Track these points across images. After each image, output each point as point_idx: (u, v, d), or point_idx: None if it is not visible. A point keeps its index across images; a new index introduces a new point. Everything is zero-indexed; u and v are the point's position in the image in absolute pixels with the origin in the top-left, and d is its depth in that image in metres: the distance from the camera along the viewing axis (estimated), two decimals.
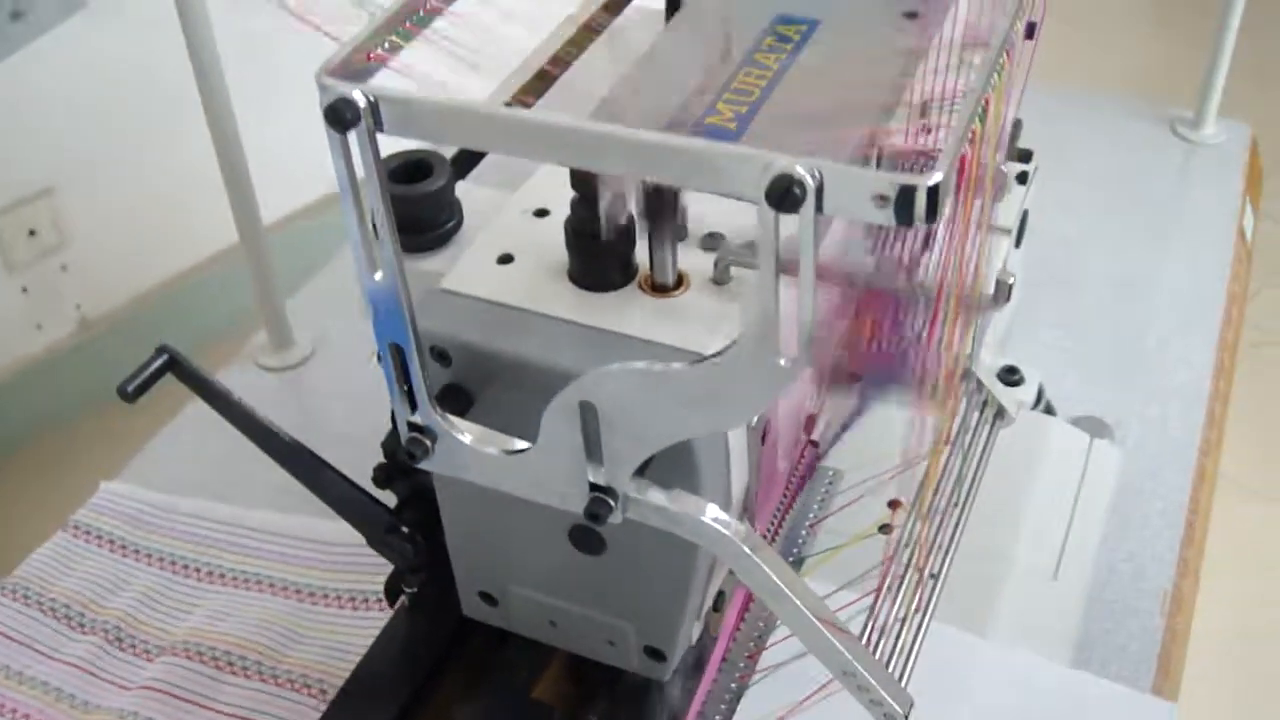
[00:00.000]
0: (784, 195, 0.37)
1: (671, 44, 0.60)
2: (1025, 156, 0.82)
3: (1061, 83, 1.18)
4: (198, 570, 0.91)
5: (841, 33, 0.61)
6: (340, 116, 0.42)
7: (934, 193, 0.37)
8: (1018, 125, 0.82)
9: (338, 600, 0.88)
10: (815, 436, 0.64)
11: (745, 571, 0.49)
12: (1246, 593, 1.77)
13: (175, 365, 0.62)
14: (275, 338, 1.15)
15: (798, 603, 0.48)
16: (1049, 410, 0.94)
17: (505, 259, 0.54)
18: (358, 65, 0.44)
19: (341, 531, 0.89)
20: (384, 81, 0.44)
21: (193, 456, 1.02)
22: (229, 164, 1.05)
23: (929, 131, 0.62)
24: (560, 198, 0.56)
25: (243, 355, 1.15)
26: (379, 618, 0.85)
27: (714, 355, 0.43)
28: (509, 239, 0.55)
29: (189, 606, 0.88)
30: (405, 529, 0.62)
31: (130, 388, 0.60)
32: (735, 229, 0.55)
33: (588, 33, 0.64)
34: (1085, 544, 0.83)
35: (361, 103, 0.42)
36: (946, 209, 0.38)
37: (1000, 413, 0.68)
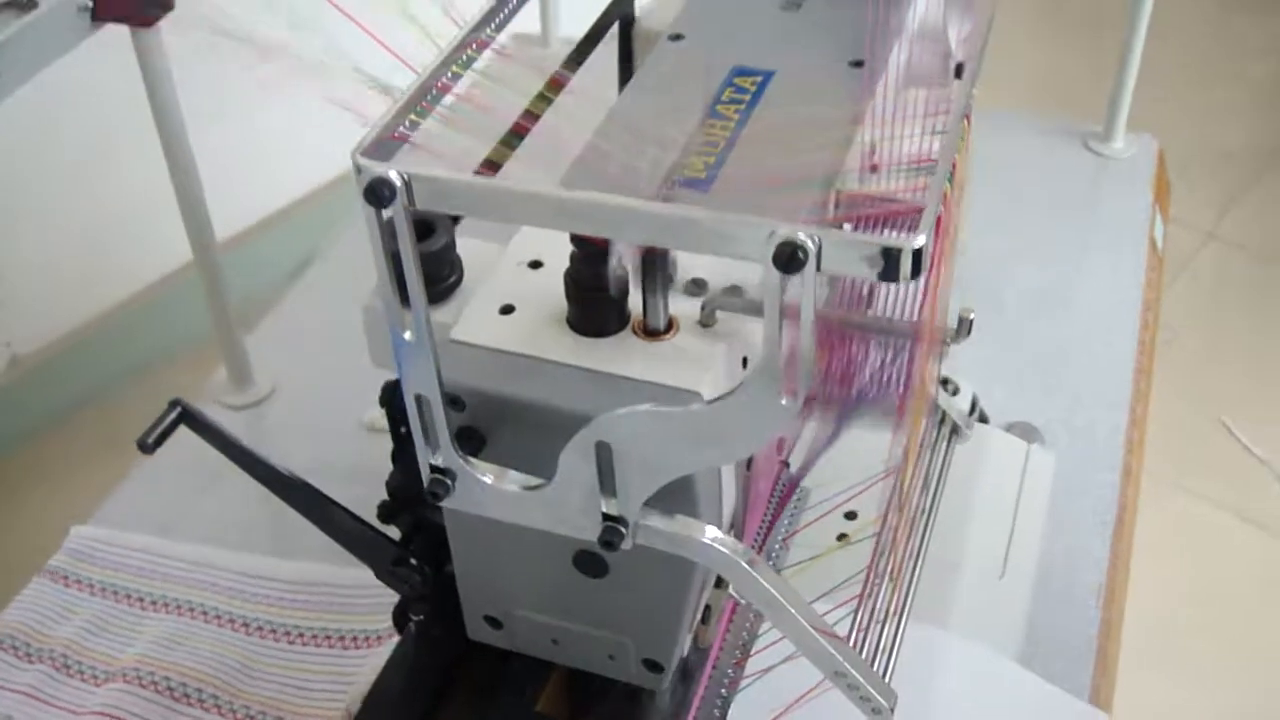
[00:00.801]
0: (789, 259, 0.42)
1: (636, 101, 0.65)
2: None
3: (977, 101, 1.24)
4: (141, 600, 0.94)
5: (795, 82, 0.66)
6: (378, 194, 0.46)
7: (918, 254, 0.42)
8: None
9: (287, 636, 0.92)
10: (785, 457, 0.70)
11: (744, 585, 0.54)
12: (1174, 581, 1.86)
13: (188, 417, 0.66)
14: (235, 376, 1.19)
15: (793, 611, 0.54)
16: (983, 419, 1.00)
17: (507, 309, 0.59)
18: (386, 144, 0.49)
19: (300, 570, 0.94)
20: (407, 154, 0.49)
21: (150, 497, 1.06)
22: (187, 200, 1.07)
23: (875, 169, 0.67)
24: (550, 249, 0.61)
25: (204, 394, 1.19)
26: (334, 654, 0.90)
27: (722, 396, 0.48)
28: (508, 290, 0.60)
29: (134, 634, 0.91)
30: (412, 560, 0.67)
31: (150, 440, 0.64)
32: (717, 274, 0.60)
33: (554, 88, 0.68)
34: (1027, 544, 0.89)
35: (397, 182, 0.46)
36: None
37: (955, 430, 0.74)
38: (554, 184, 0.53)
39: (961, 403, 0.95)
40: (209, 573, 0.97)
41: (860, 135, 0.64)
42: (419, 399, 0.53)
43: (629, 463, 0.51)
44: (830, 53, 0.68)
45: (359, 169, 0.47)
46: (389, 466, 0.72)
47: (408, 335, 0.51)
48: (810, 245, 0.42)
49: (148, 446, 0.64)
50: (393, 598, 0.73)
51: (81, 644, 0.91)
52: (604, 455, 0.51)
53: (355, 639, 0.90)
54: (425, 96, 0.52)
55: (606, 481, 0.52)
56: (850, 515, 0.81)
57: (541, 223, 0.47)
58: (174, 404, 0.66)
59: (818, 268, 0.43)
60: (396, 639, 0.75)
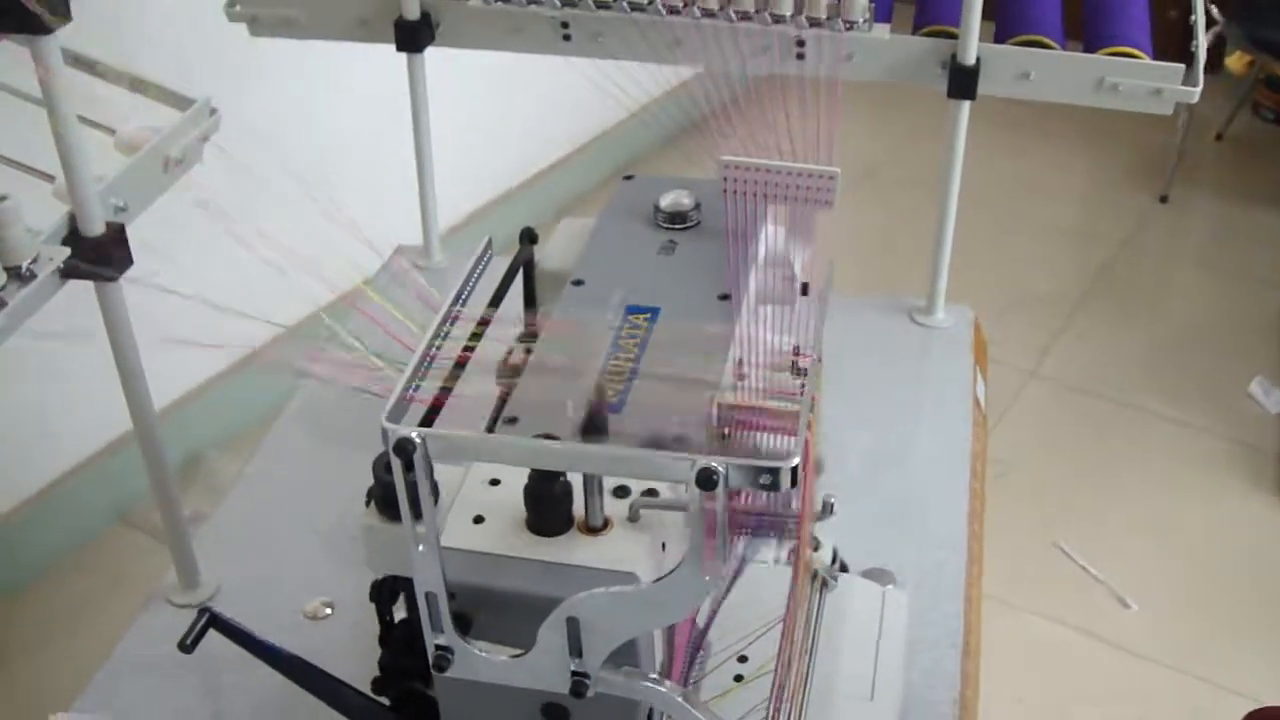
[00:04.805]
0: (706, 480, 0.61)
1: (550, 344, 0.82)
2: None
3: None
4: None
5: (677, 315, 0.84)
6: (404, 451, 0.64)
7: (794, 470, 0.61)
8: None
9: None
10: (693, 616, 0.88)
11: (680, 716, 0.71)
12: (1027, 693, 2.05)
13: (216, 621, 0.82)
14: (184, 579, 1.32)
15: None
16: (843, 568, 1.17)
17: (478, 519, 0.76)
18: (401, 405, 0.66)
19: None
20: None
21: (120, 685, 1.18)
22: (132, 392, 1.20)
23: (743, 377, 0.85)
24: (506, 470, 0.78)
25: (156, 595, 1.31)
26: None
27: (662, 577, 0.66)
28: (477, 504, 0.77)
29: None
30: None
31: (188, 641, 0.80)
32: (636, 481, 0.78)
33: (480, 327, 0.85)
34: (891, 669, 1.07)
35: (418, 440, 0.64)
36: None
37: (825, 582, 0.92)
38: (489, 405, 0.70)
39: (824, 555, 1.13)
40: None
41: (730, 352, 0.82)
42: (428, 596, 0.70)
43: (593, 631, 0.68)
44: (702, 288, 0.87)
45: (386, 431, 0.64)
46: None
47: (420, 548, 0.68)
48: (721, 470, 0.61)
49: (186, 647, 0.80)
50: None
51: None
52: (573, 627, 0.69)
53: None
54: (423, 365, 0.70)
55: (574, 646, 0.70)
56: (742, 659, 0.98)
57: (521, 463, 0.65)
58: (203, 611, 0.82)
59: (726, 485, 0.61)
60: None
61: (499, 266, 0.88)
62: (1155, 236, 3.11)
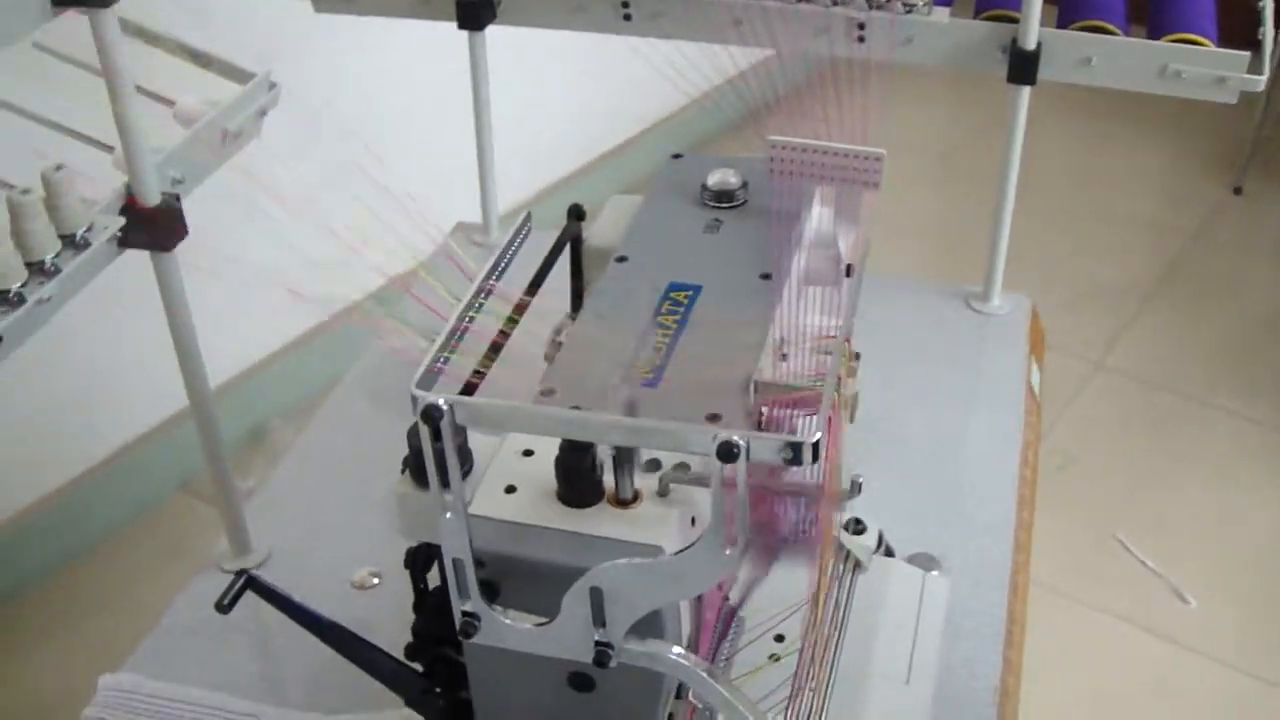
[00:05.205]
0: (727, 454, 0.61)
1: (594, 318, 0.83)
2: (853, 357, 1.06)
3: (870, 271, 1.42)
4: None
5: (718, 293, 0.85)
6: (431, 417, 0.65)
7: (815, 446, 0.61)
8: None
9: None
10: (726, 593, 0.88)
11: (704, 690, 0.72)
12: (1074, 685, 2.03)
13: (253, 583, 0.83)
14: (236, 545, 1.34)
15: (742, 709, 0.72)
16: (889, 552, 1.17)
17: (510, 489, 0.77)
18: (429, 377, 0.67)
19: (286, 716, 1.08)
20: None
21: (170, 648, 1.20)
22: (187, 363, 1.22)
23: (785, 358, 0.85)
24: (539, 441, 0.79)
25: (208, 561, 1.34)
26: None
27: (682, 550, 0.66)
28: (509, 474, 0.78)
29: None
30: (436, 689, 0.84)
31: (225, 602, 0.82)
32: (668, 455, 0.79)
33: (518, 310, 0.86)
34: (927, 655, 1.07)
35: (445, 407, 0.65)
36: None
37: (858, 564, 0.92)
38: (530, 385, 0.71)
39: (868, 539, 1.13)
40: (223, 715, 1.12)
41: (771, 333, 0.82)
42: (456, 562, 0.71)
43: (615, 601, 0.69)
44: (745, 267, 0.87)
45: (415, 398, 0.65)
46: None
47: (449, 515, 0.69)
48: (741, 443, 0.61)
49: (224, 608, 0.81)
50: None
51: None
52: (597, 596, 0.69)
53: None
54: (453, 338, 0.70)
55: (598, 616, 0.70)
56: (779, 638, 0.98)
57: (547, 433, 0.66)
58: (241, 573, 0.83)
59: (747, 458, 0.61)
60: None
61: (549, 242, 0.89)
62: (1228, 228, 3.06)
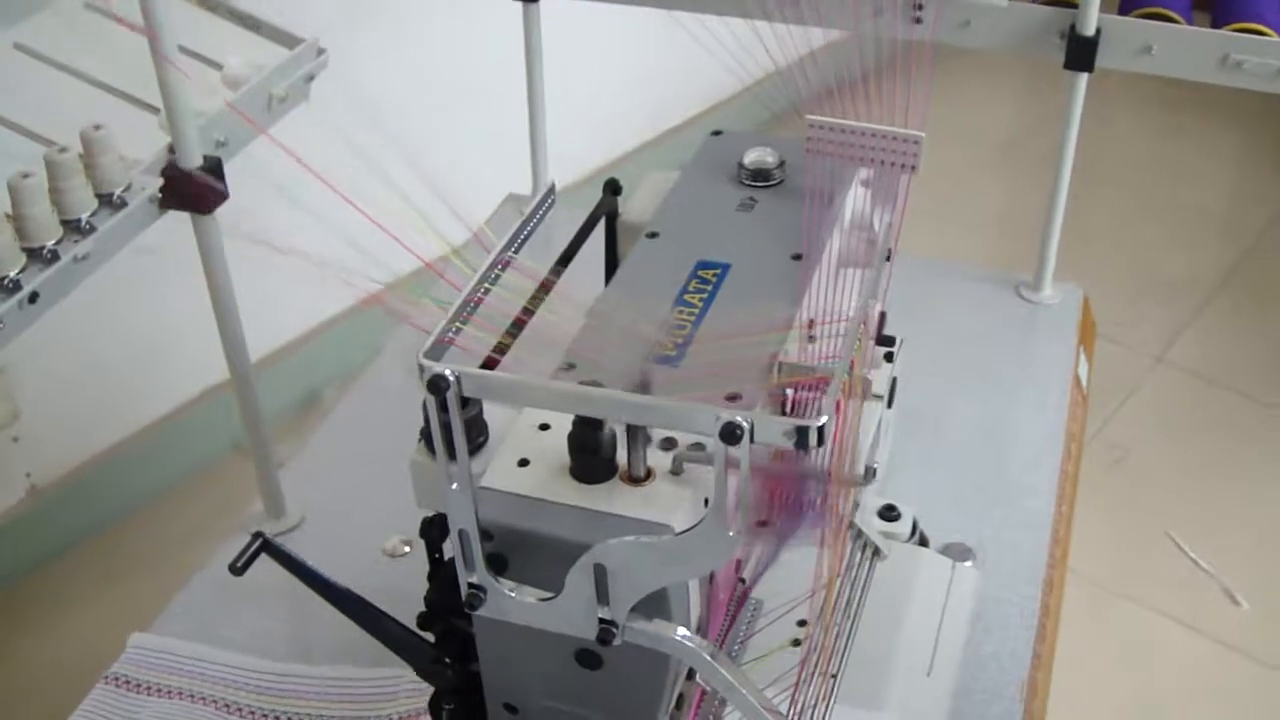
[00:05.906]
0: (730, 435, 0.60)
1: (621, 292, 0.83)
2: (890, 341, 1.05)
3: (923, 256, 1.40)
4: (192, 697, 1.10)
5: (747, 273, 0.84)
6: (438, 386, 0.65)
7: (821, 430, 0.60)
8: (883, 317, 1.05)
9: None
10: (744, 575, 0.87)
11: (707, 673, 0.71)
12: (1115, 675, 2.01)
13: (268, 546, 0.83)
14: (270, 508, 1.35)
15: (744, 693, 0.71)
16: (923, 541, 1.16)
17: (523, 463, 0.77)
18: (439, 347, 0.67)
19: (325, 670, 1.09)
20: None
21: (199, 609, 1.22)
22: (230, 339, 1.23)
23: (813, 340, 0.84)
24: (555, 415, 0.78)
25: (241, 525, 1.35)
26: None
27: (685, 530, 0.66)
28: (524, 447, 0.78)
29: None
30: (446, 659, 0.84)
31: (239, 564, 0.82)
32: (683, 434, 0.78)
33: (543, 288, 0.85)
34: (952, 647, 1.06)
35: (451, 377, 0.64)
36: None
37: (877, 551, 0.91)
38: (551, 366, 0.71)
39: (902, 526, 1.12)
40: (249, 675, 1.13)
41: (799, 314, 0.81)
42: (461, 533, 0.71)
43: (619, 579, 0.68)
44: (777, 247, 0.86)
45: (423, 368, 0.65)
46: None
47: (455, 486, 0.68)
48: (745, 424, 0.60)
49: (237, 570, 0.82)
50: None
51: None
52: (600, 574, 0.69)
53: None
54: (465, 309, 0.70)
55: (602, 593, 0.70)
56: (802, 623, 0.97)
57: (553, 407, 0.65)
58: (257, 535, 0.83)
59: (751, 440, 0.61)
60: None
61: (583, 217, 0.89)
62: None
